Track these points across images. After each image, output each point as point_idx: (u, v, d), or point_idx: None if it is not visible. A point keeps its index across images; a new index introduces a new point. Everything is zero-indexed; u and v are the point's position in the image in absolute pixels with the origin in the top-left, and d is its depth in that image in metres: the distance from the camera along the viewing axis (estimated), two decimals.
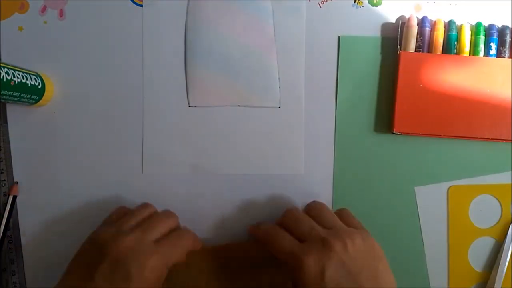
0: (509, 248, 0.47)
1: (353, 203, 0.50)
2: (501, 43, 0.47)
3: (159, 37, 0.50)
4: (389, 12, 0.49)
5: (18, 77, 0.43)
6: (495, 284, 0.48)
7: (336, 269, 0.36)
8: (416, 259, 0.50)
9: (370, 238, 0.40)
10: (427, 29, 0.47)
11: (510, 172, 0.49)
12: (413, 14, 0.48)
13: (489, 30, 0.47)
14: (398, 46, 0.48)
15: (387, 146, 0.50)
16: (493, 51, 0.47)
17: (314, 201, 0.46)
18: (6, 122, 0.50)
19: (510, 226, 0.47)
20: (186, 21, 0.50)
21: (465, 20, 0.48)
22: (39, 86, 0.47)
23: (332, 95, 0.50)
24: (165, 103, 0.50)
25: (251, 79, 0.50)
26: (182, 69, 0.50)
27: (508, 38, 0.47)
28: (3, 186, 0.50)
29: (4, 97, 0.43)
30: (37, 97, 0.47)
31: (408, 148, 0.49)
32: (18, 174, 0.50)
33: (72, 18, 0.50)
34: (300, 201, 0.50)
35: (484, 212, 0.49)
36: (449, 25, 0.48)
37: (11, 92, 0.43)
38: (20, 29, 0.50)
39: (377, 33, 0.49)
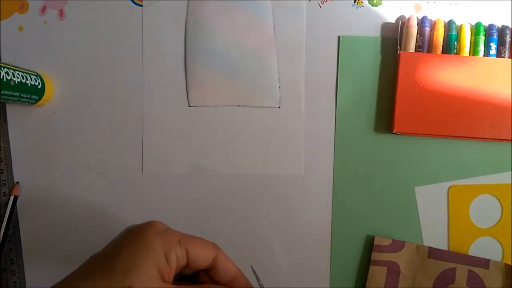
0: None
1: (353, 203, 0.50)
2: (501, 43, 0.47)
3: (159, 37, 0.50)
4: (389, 12, 0.49)
5: (18, 77, 0.43)
6: None
7: None
8: None
9: None
10: (427, 29, 0.47)
11: (510, 172, 0.49)
12: (413, 14, 0.48)
13: (489, 30, 0.47)
14: (398, 46, 0.48)
15: (387, 146, 0.50)
16: (493, 51, 0.47)
17: None
18: (6, 122, 0.50)
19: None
20: (186, 21, 0.50)
21: (465, 20, 0.48)
22: (39, 86, 0.47)
23: (332, 95, 0.50)
24: (165, 103, 0.50)
25: (251, 79, 0.50)
26: (182, 69, 0.50)
27: (508, 38, 0.47)
28: (3, 186, 0.50)
29: (4, 97, 0.43)
30: (37, 97, 0.47)
31: (408, 148, 0.49)
32: (18, 174, 0.50)
33: (72, 18, 0.50)
34: (300, 201, 0.50)
35: (484, 212, 0.49)
36: (449, 25, 0.48)
37: (11, 92, 0.43)
38: (20, 29, 0.50)
39: (377, 33, 0.49)
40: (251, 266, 0.36)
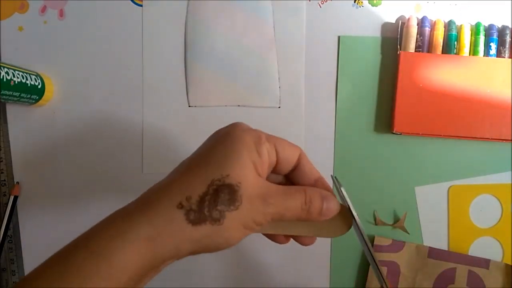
0: None
1: (353, 203, 0.50)
2: (501, 43, 0.47)
3: (159, 37, 0.50)
4: (389, 12, 0.49)
5: (18, 77, 0.43)
6: None
7: None
8: None
9: None
10: (427, 29, 0.47)
11: (510, 172, 0.49)
12: (413, 14, 0.48)
13: (489, 30, 0.47)
14: (398, 46, 0.48)
15: (387, 146, 0.50)
16: (493, 51, 0.47)
17: None
18: (6, 122, 0.50)
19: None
20: (186, 21, 0.50)
21: (465, 20, 0.48)
22: (39, 86, 0.47)
23: (332, 95, 0.50)
24: (165, 103, 0.50)
25: (251, 79, 0.50)
26: (182, 69, 0.50)
27: (508, 38, 0.47)
28: (3, 186, 0.50)
29: (4, 97, 0.43)
30: (37, 97, 0.47)
31: (408, 148, 0.49)
32: (18, 174, 0.50)
33: (72, 18, 0.50)
34: None
35: (484, 212, 0.49)
36: (449, 25, 0.48)
37: (11, 92, 0.43)
38: (20, 29, 0.50)
39: (377, 33, 0.49)
40: (331, 175, 0.35)
